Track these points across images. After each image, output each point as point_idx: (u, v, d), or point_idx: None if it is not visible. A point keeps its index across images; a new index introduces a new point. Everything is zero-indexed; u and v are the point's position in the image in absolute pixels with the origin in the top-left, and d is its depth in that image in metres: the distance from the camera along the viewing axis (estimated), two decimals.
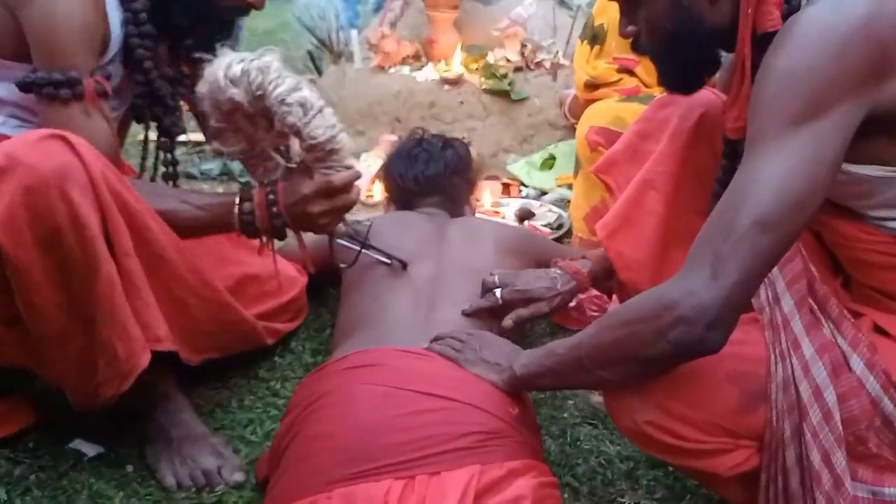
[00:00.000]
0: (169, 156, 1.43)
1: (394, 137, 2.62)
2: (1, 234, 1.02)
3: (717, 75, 1.17)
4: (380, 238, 1.48)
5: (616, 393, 1.01)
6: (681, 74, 1.06)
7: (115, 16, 1.24)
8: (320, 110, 1.16)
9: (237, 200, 1.24)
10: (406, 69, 2.92)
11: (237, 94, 1.13)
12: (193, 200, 1.25)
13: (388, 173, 1.78)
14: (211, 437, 1.31)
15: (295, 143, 1.20)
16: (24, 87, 1.17)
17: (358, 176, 1.25)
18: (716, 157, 1.10)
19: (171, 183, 1.44)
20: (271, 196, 1.23)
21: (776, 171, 0.85)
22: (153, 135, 1.45)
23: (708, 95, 1.17)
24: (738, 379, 0.95)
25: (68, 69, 1.15)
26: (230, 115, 1.16)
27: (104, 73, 1.22)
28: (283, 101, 1.13)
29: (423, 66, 2.92)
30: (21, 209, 1.02)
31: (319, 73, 3.53)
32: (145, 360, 1.15)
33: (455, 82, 2.79)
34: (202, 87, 1.16)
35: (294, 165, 1.21)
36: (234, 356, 1.46)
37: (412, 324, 1.34)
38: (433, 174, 1.72)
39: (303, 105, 1.14)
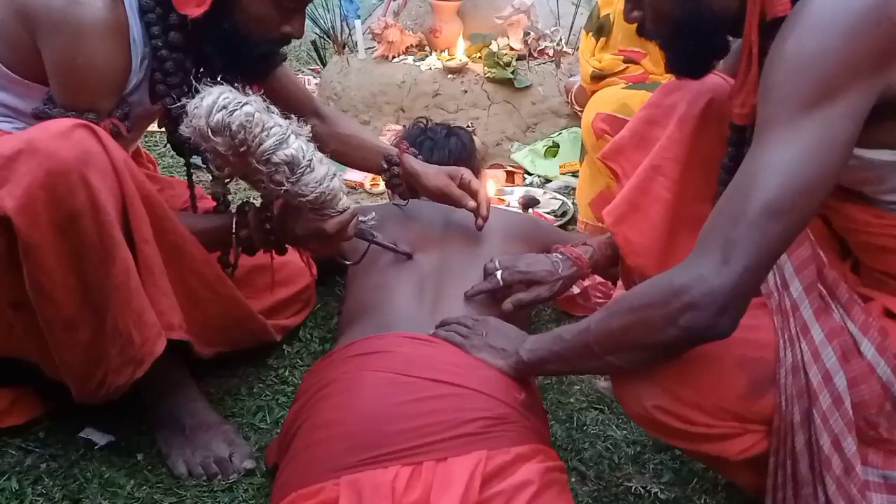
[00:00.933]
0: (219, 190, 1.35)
1: (398, 127, 2.62)
2: (18, 215, 1.01)
3: (723, 60, 1.14)
4: (385, 227, 1.47)
5: (624, 378, 1.00)
6: (689, 60, 1.03)
7: (139, 48, 1.20)
8: (308, 165, 1.11)
9: (234, 228, 1.24)
10: (410, 59, 2.90)
11: (220, 144, 1.07)
12: (191, 225, 1.23)
13: None
14: (223, 424, 1.30)
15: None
16: (39, 117, 1.15)
17: (351, 218, 1.24)
18: (724, 143, 1.08)
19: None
20: (267, 226, 1.24)
21: (787, 156, 0.83)
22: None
23: (716, 80, 1.15)
24: (746, 364, 0.94)
25: (85, 111, 1.13)
26: (216, 152, 1.11)
27: (122, 110, 1.20)
28: (268, 161, 1.08)
29: (426, 56, 2.90)
30: (40, 190, 1.02)
31: (323, 63, 3.51)
32: (160, 346, 1.14)
33: (458, 71, 2.76)
34: (185, 129, 1.10)
35: (287, 188, 1.14)
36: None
37: (418, 310, 1.33)
38: (437, 162, 1.70)
39: (289, 163, 1.09)
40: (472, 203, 1.45)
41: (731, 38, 1.03)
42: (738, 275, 0.83)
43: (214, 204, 1.35)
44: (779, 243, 0.85)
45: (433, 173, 1.50)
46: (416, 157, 1.54)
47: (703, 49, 1.01)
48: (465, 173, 1.50)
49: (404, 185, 1.52)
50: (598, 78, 2.05)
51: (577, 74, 2.53)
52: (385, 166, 1.52)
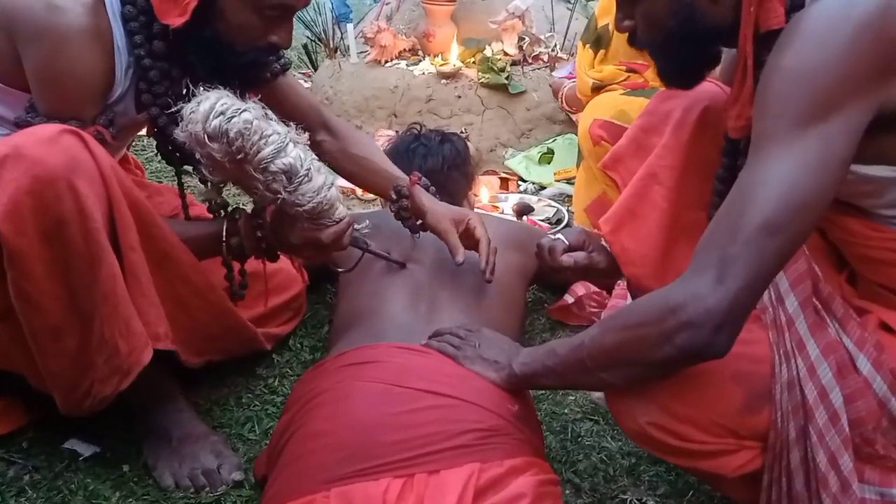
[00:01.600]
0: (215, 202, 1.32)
1: (391, 132, 2.62)
2: (3, 222, 1.01)
3: (720, 69, 1.15)
4: (379, 235, 1.47)
5: (618, 394, 1.00)
6: (679, 70, 1.04)
7: (123, 56, 1.19)
8: (307, 174, 1.10)
9: (224, 236, 1.24)
10: (403, 63, 2.90)
11: (216, 150, 1.07)
12: (180, 233, 1.22)
13: None
14: (211, 435, 1.29)
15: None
16: (20, 126, 1.15)
17: (347, 227, 1.24)
18: (720, 151, 1.08)
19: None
20: (258, 233, 1.24)
21: (783, 172, 0.83)
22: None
23: (711, 88, 1.15)
24: (742, 379, 0.94)
25: (68, 119, 1.12)
26: (212, 158, 1.11)
27: (107, 117, 1.19)
28: (265, 169, 1.08)
29: (419, 60, 2.90)
30: (27, 197, 1.01)
31: (315, 67, 3.51)
32: (147, 356, 1.13)
33: (452, 76, 2.77)
34: (180, 134, 1.09)
35: (283, 197, 1.14)
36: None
37: (411, 320, 1.33)
38: (430, 169, 1.70)
39: (287, 172, 1.09)
40: (459, 258, 1.40)
41: (724, 49, 1.03)
42: (735, 293, 0.83)
43: (205, 209, 1.34)
44: (776, 261, 0.85)
45: (440, 213, 1.45)
46: (427, 188, 1.50)
47: (694, 59, 1.01)
48: (472, 219, 1.46)
49: (414, 219, 1.48)
50: (599, 89, 2.02)
51: (561, 70, 2.52)
52: (394, 197, 1.49)
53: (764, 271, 0.85)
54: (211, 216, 1.31)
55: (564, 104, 2.39)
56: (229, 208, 1.29)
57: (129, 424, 1.30)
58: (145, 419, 1.28)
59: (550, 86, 2.60)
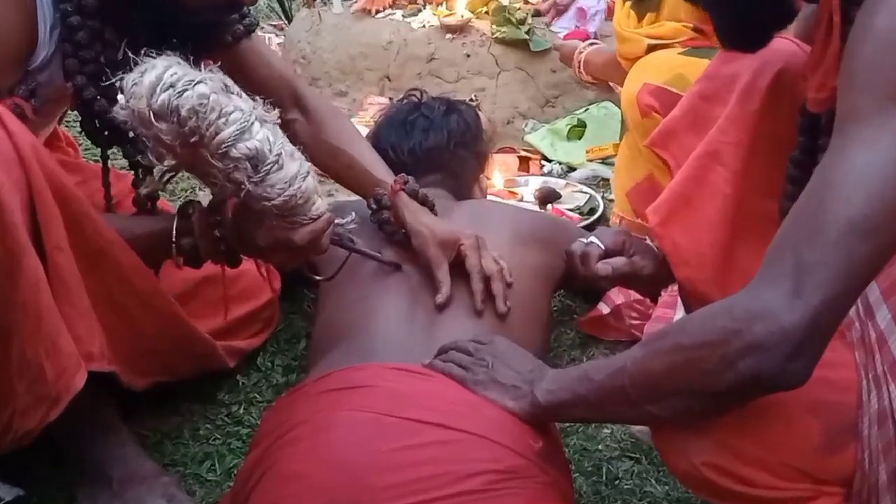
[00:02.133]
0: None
1: (384, 100, 2.63)
2: None
3: (794, 26, 1.15)
4: (367, 230, 1.48)
5: (667, 428, 1.00)
6: (740, 25, 1.04)
7: (47, 12, 1.20)
8: (276, 160, 1.11)
9: (174, 235, 1.24)
10: (398, 14, 2.92)
11: (164, 131, 1.07)
12: (120, 230, 1.23)
13: (378, 145, 1.77)
14: (161, 475, 1.31)
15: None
16: None
17: (326, 226, 1.24)
18: (796, 127, 1.09)
19: None
20: (217, 233, 1.24)
21: (875, 160, 0.83)
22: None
23: (788, 47, 1.15)
24: (821, 410, 0.94)
25: None
26: (159, 141, 1.11)
27: (28, 87, 1.20)
28: (225, 155, 1.08)
29: (419, 10, 2.91)
30: None
31: (289, 18, 3.52)
32: (80, 381, 1.14)
33: (459, 30, 2.78)
34: (120, 111, 1.10)
35: (248, 189, 1.14)
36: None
37: (409, 333, 1.34)
38: (433, 146, 1.72)
39: (252, 158, 1.09)
40: (439, 298, 1.38)
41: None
42: (815, 309, 0.83)
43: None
44: (865, 270, 0.85)
45: (426, 237, 1.43)
46: (415, 195, 1.49)
47: (758, 11, 1.01)
48: (465, 245, 1.43)
49: (399, 232, 1.48)
50: (655, 48, 1.97)
51: (558, 23, 2.43)
52: (374, 207, 1.50)
53: (852, 282, 0.85)
54: (169, 210, 1.32)
55: (584, 74, 2.27)
56: (177, 194, 1.29)
57: (60, 461, 1.31)
58: (79, 458, 1.30)
59: (558, 49, 2.50)
